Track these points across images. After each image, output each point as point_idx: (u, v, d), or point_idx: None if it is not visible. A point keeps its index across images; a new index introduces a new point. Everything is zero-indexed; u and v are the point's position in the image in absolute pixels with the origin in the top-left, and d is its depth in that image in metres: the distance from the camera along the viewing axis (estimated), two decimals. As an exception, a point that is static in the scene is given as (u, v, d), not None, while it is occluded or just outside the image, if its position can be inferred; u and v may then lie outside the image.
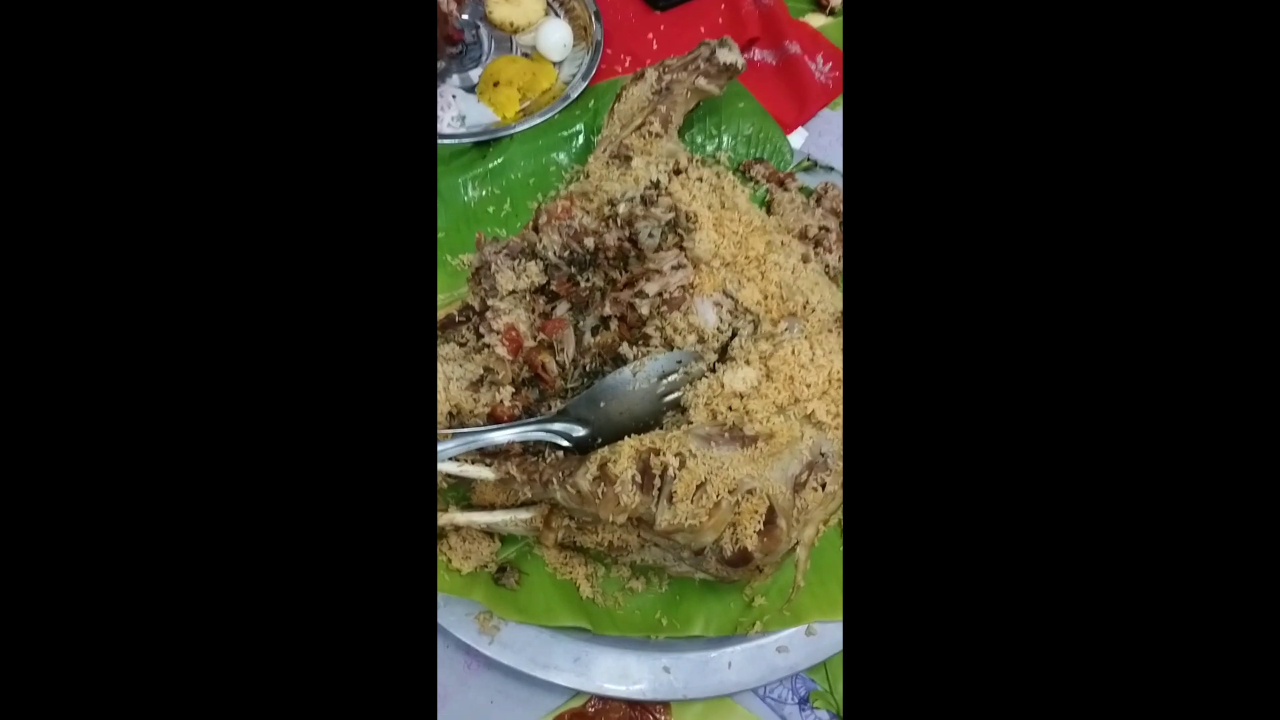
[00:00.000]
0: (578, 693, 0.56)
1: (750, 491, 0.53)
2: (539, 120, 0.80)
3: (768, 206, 0.77)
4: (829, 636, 0.58)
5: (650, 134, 0.72)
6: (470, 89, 0.86)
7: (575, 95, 0.82)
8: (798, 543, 0.57)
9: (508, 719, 0.55)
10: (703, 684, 0.56)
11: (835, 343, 0.61)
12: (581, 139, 0.81)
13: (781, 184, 0.80)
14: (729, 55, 0.75)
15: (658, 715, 0.56)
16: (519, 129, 0.80)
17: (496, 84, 0.84)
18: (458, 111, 0.84)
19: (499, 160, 0.79)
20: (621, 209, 0.62)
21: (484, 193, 0.77)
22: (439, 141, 0.78)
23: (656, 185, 0.65)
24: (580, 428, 0.58)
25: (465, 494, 0.60)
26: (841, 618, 0.58)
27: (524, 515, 0.58)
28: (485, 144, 0.80)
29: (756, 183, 0.80)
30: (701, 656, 0.57)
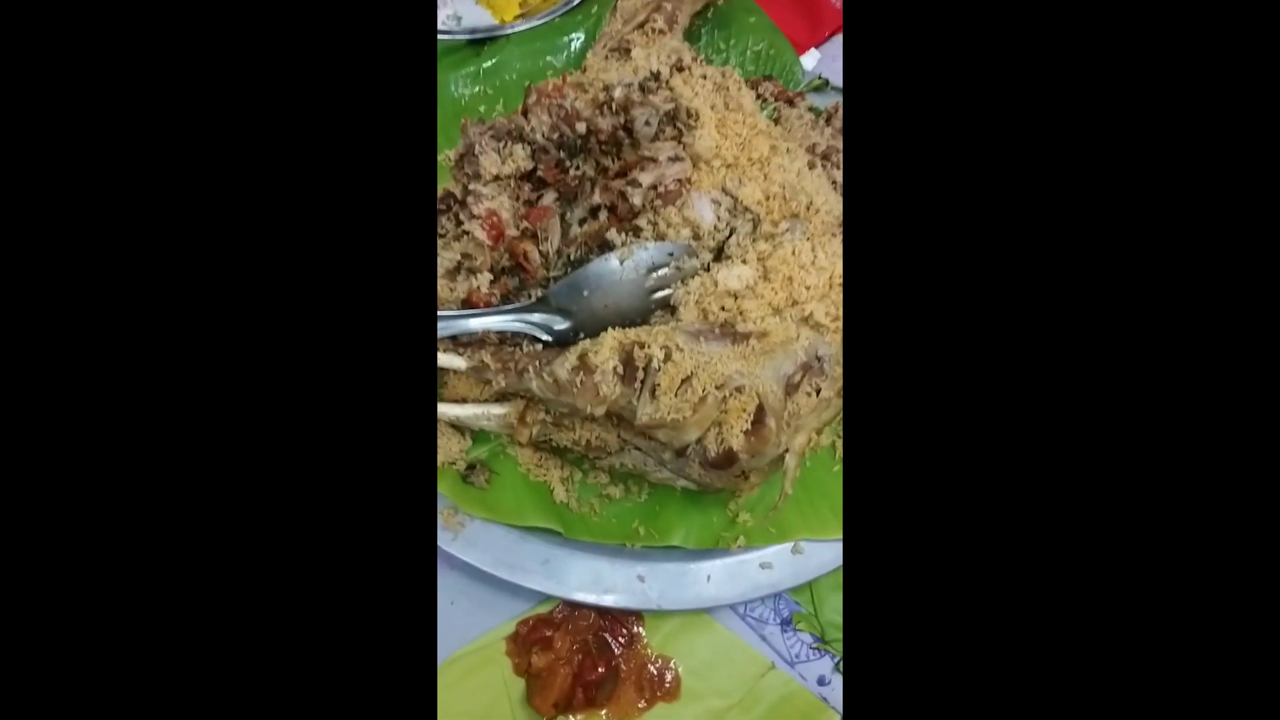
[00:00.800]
0: (545, 598, 0.53)
1: (739, 389, 0.49)
2: (538, 22, 0.76)
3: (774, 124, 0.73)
4: (816, 557, 0.54)
5: (653, 31, 0.68)
6: (468, -9, 0.82)
7: (577, 1, 0.78)
8: (787, 451, 0.53)
9: (469, 621, 0.52)
10: (679, 596, 0.52)
11: (839, 246, 0.57)
12: (580, 43, 0.77)
13: (790, 102, 0.75)
14: (741, -46, 0.70)
15: (630, 627, 0.53)
16: (516, 29, 0.76)
17: (495, -15, 0.80)
18: (453, 10, 0.79)
19: (493, 60, 0.74)
20: (617, 93, 0.57)
21: (475, 90, 0.73)
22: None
23: (657, 76, 0.60)
24: (561, 320, 0.54)
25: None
26: (829, 538, 0.54)
27: (497, 411, 0.54)
28: (480, 43, 0.76)
29: (764, 100, 0.75)
30: (679, 567, 0.53)
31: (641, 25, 0.67)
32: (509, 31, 0.76)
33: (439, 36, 0.75)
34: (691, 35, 0.76)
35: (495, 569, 0.51)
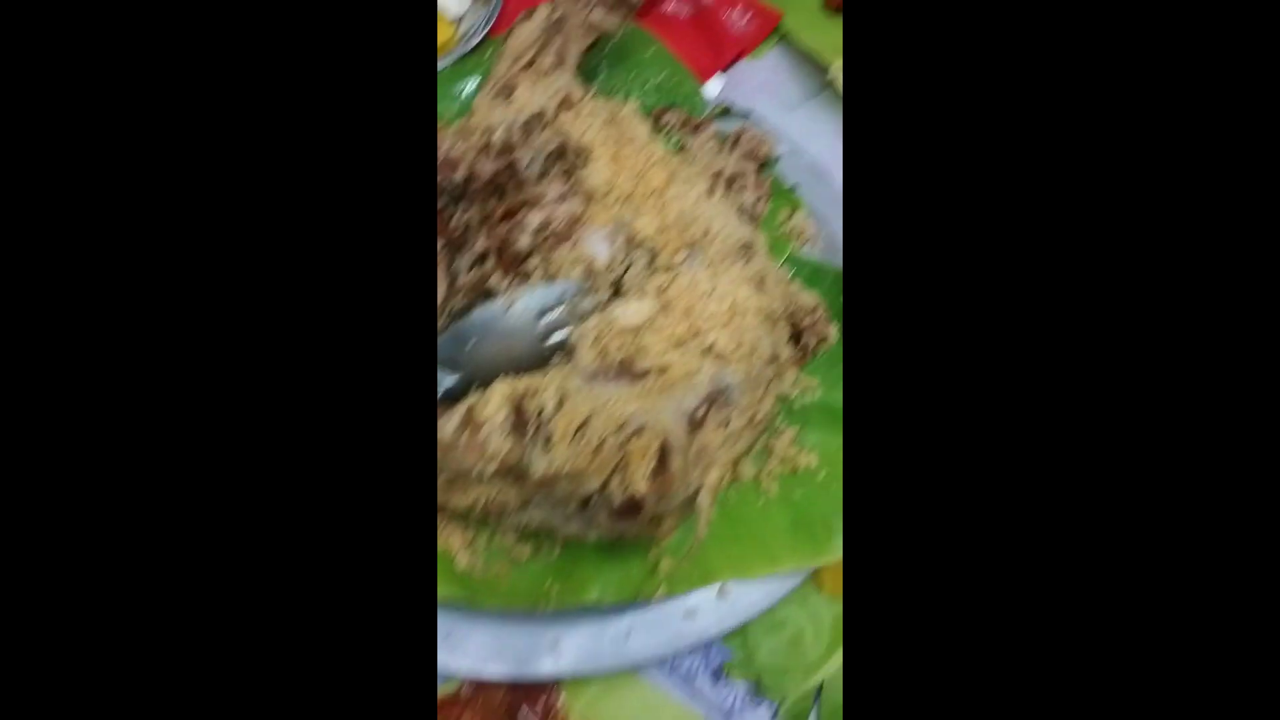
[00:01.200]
0: (448, 678, 0.49)
1: (639, 430, 0.47)
2: (431, 70, 0.75)
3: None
4: (744, 598, 0.51)
5: (541, 71, 0.67)
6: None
7: (471, 46, 0.77)
8: (700, 489, 0.50)
9: (370, 710, 0.48)
10: (597, 659, 0.49)
11: (739, 271, 0.55)
12: (472, 90, 0.75)
13: (696, 130, 0.75)
14: (625, -13, 0.70)
15: (548, 697, 0.49)
16: (408, 79, 0.74)
17: (386, 36, 0.79)
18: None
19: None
20: (498, 135, 0.56)
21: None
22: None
23: (540, 115, 0.59)
24: (449, 375, 0.51)
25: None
26: (757, 577, 0.51)
27: (390, 476, 0.51)
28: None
29: (669, 131, 0.75)
30: (596, 627, 0.50)
31: (529, 65, 0.66)
32: (402, 81, 0.74)
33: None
34: (590, 72, 0.75)
35: (394, 649, 0.47)
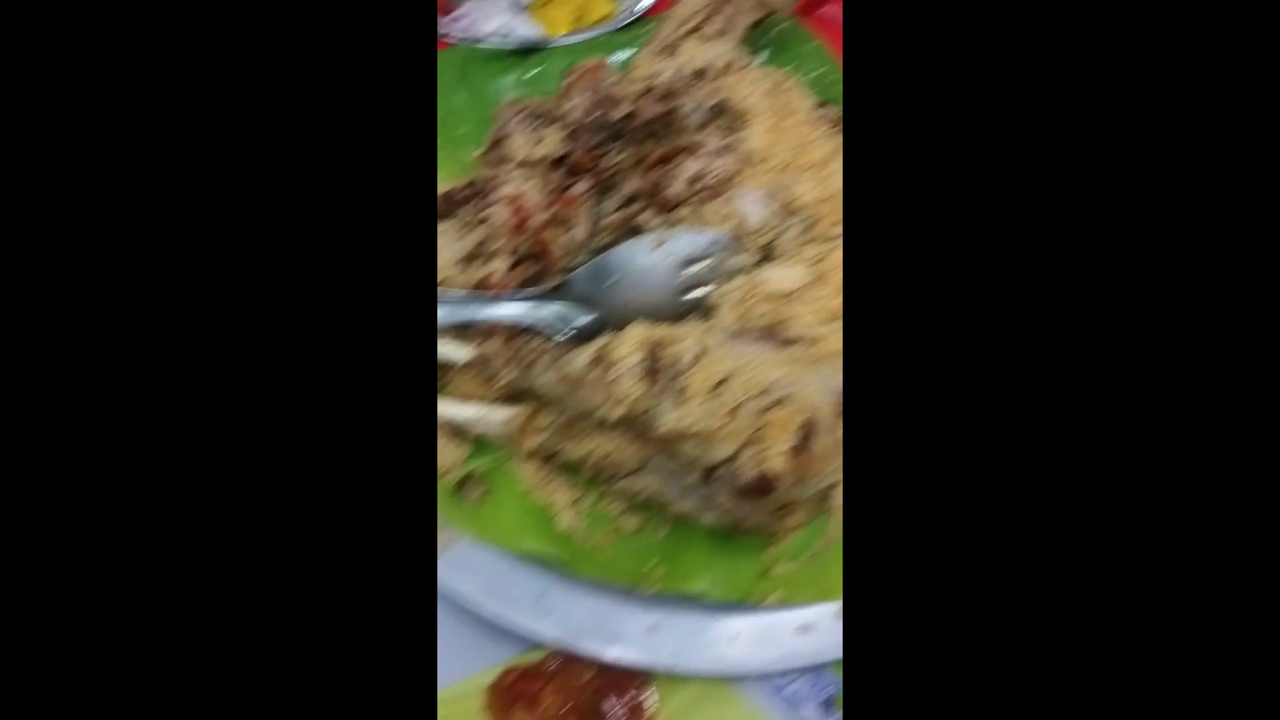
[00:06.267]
0: (534, 645, 0.43)
1: (782, 400, 0.41)
2: (586, 36, 0.74)
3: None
4: (872, 622, 0.44)
5: (705, 37, 0.64)
6: (522, 8, 0.81)
7: (632, 19, 0.76)
8: (835, 485, 0.44)
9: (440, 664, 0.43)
10: (699, 656, 0.42)
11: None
12: (628, 58, 0.74)
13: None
14: (803, -33, 0.67)
15: (636, 691, 0.42)
16: (562, 42, 0.73)
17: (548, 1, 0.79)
18: (503, 23, 0.78)
19: (538, 69, 0.72)
20: (664, 78, 0.53)
21: (514, 97, 0.70)
22: (478, 45, 0.73)
23: (704, 71, 0.56)
24: (582, 312, 0.47)
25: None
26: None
27: (501, 414, 0.47)
28: (527, 53, 0.73)
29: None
30: (701, 621, 0.43)
31: (696, 29, 0.64)
32: (555, 44, 0.74)
33: (481, 45, 0.73)
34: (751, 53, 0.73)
35: (479, 598, 0.42)
